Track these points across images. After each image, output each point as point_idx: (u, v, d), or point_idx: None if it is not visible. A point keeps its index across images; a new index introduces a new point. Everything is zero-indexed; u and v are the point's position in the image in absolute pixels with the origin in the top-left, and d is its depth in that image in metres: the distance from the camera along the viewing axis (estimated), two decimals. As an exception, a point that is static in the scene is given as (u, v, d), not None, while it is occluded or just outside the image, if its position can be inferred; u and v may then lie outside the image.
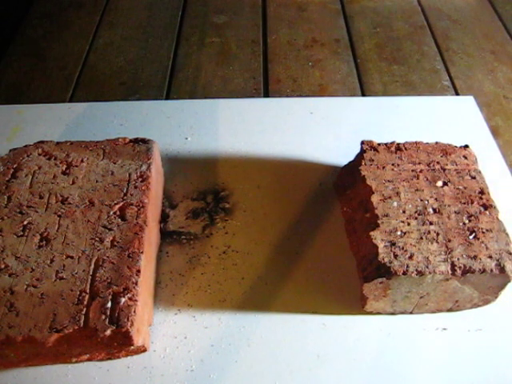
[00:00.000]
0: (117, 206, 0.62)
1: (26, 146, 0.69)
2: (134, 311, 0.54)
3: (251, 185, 0.77)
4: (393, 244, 0.59)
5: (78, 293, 0.55)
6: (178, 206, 0.74)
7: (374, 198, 0.64)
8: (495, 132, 0.89)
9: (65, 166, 0.67)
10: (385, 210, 0.63)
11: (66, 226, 0.60)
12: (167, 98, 0.96)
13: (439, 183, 0.66)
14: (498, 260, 0.58)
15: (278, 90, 0.99)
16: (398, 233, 0.61)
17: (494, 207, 0.63)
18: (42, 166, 0.67)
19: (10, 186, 0.64)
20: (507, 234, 0.61)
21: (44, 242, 0.59)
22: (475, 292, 0.61)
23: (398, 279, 0.58)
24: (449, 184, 0.66)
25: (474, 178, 0.67)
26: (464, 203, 0.64)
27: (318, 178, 0.77)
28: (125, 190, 0.64)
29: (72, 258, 0.57)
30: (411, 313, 0.64)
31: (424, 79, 1.01)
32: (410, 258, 0.58)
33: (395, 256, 0.58)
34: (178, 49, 1.07)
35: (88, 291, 0.55)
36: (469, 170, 0.67)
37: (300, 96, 0.97)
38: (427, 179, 0.66)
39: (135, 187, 0.65)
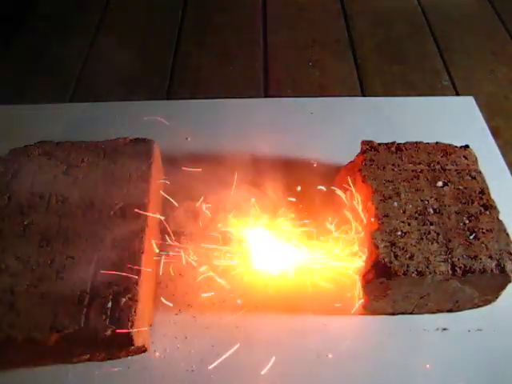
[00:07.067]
0: (117, 206, 0.62)
1: (26, 146, 0.69)
2: (135, 311, 0.54)
3: (251, 185, 0.77)
4: (393, 244, 0.59)
5: (79, 293, 0.54)
6: (178, 206, 0.74)
7: (375, 198, 0.64)
8: (495, 132, 0.89)
9: (65, 167, 0.67)
10: (385, 210, 0.63)
11: (67, 226, 0.60)
12: (167, 98, 0.96)
13: (439, 183, 0.66)
14: (498, 260, 0.58)
15: (278, 90, 0.98)
16: (399, 233, 0.61)
17: (495, 207, 0.63)
18: (43, 166, 0.67)
19: (11, 186, 0.64)
20: (507, 234, 0.61)
21: (44, 242, 0.59)
22: (475, 292, 0.61)
23: (398, 279, 0.58)
24: (449, 184, 0.66)
25: (474, 178, 0.67)
26: (464, 203, 0.64)
27: (318, 177, 0.77)
28: (125, 190, 0.64)
29: (72, 258, 0.57)
30: (411, 313, 0.64)
31: (424, 79, 1.01)
32: (411, 258, 0.58)
33: (395, 256, 0.58)
34: (178, 49, 1.07)
35: (88, 291, 0.55)
36: (469, 171, 0.67)
37: (300, 96, 0.97)
38: (427, 179, 0.66)
39: (135, 187, 0.65)
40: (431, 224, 0.62)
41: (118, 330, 0.53)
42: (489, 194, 0.65)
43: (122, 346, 0.56)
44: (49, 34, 1.10)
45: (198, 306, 0.65)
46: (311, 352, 0.61)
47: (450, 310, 0.65)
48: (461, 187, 0.65)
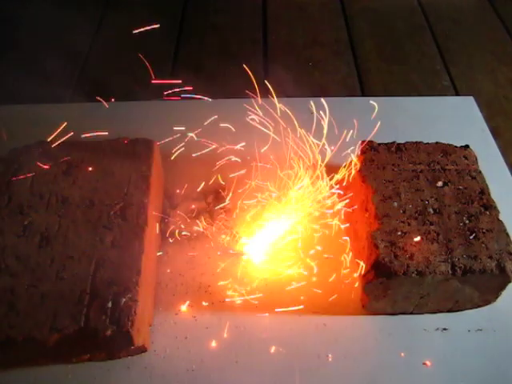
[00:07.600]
0: (117, 206, 0.62)
1: (26, 146, 0.69)
2: (135, 311, 0.54)
3: (251, 185, 0.77)
4: (393, 244, 0.59)
5: (79, 293, 0.54)
6: (178, 206, 0.74)
7: (375, 198, 0.64)
8: (495, 132, 0.89)
9: (65, 166, 0.67)
10: (385, 210, 0.63)
11: (67, 226, 0.60)
12: (167, 98, 0.96)
13: (439, 183, 0.66)
14: (498, 260, 0.58)
15: (278, 90, 0.98)
16: (399, 233, 0.61)
17: (495, 207, 0.63)
18: (43, 166, 0.67)
19: (11, 186, 0.64)
20: (507, 234, 0.61)
21: (44, 242, 0.59)
22: (475, 292, 0.61)
23: (398, 279, 0.58)
24: (449, 184, 0.66)
25: (474, 178, 0.67)
26: (464, 203, 0.64)
27: (318, 177, 0.77)
28: (125, 190, 0.64)
29: (72, 258, 0.57)
30: (411, 313, 0.64)
31: (424, 79, 1.01)
32: (411, 258, 0.58)
33: (395, 256, 0.58)
34: (178, 49, 1.07)
35: (88, 291, 0.55)
36: (469, 171, 0.67)
37: (300, 96, 0.96)
38: (427, 179, 0.66)
39: (135, 187, 0.65)
40: (431, 224, 0.61)
41: (118, 330, 0.53)
42: (489, 194, 0.65)
43: (121, 346, 0.56)
44: (48, 34, 1.10)
45: (198, 306, 0.65)
46: (311, 352, 0.61)
47: (450, 310, 0.65)
48: (461, 187, 0.65)
